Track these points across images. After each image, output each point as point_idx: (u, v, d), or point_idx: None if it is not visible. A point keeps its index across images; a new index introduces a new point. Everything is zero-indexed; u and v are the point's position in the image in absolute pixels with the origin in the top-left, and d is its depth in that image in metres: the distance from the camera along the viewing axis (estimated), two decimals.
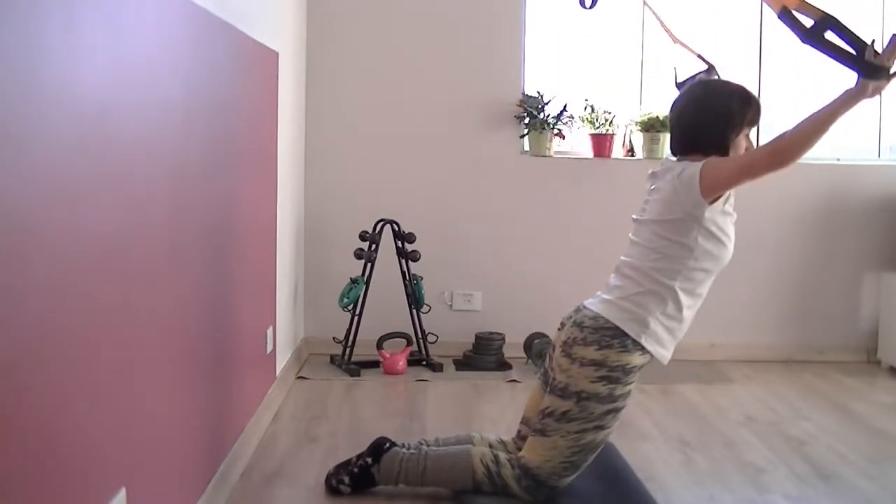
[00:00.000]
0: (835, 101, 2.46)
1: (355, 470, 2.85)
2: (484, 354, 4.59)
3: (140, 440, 2.06)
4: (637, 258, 2.74)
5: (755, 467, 3.22)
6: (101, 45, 1.78)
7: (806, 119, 2.49)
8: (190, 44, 2.45)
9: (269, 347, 3.70)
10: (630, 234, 2.82)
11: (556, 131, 4.77)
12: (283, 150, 3.99)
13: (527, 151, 4.86)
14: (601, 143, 4.84)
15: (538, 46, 4.92)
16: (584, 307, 2.78)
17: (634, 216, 2.82)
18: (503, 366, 4.58)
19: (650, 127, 4.77)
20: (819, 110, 2.47)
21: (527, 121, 4.75)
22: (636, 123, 4.83)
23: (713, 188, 2.61)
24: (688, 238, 2.65)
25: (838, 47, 2.44)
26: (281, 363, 4.02)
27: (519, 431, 2.93)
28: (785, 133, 2.54)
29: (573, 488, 2.84)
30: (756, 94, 2.74)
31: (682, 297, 2.68)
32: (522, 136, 4.82)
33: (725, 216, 2.72)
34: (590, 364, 2.67)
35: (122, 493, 1.92)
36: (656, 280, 2.67)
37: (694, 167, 2.63)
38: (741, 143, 2.72)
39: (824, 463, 3.27)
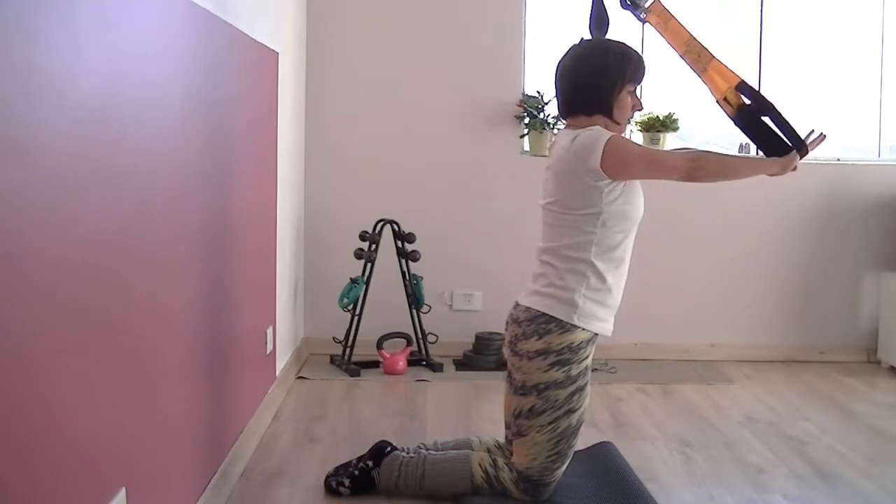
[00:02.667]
0: (764, 161, 2.79)
1: (356, 472, 2.85)
2: (484, 354, 4.59)
3: (140, 440, 2.06)
4: (549, 240, 2.74)
5: (755, 467, 3.22)
6: (101, 45, 1.78)
7: (733, 157, 2.82)
8: (190, 44, 2.45)
9: (269, 347, 3.70)
10: (542, 221, 2.80)
11: (555, 131, 4.77)
12: (283, 150, 3.99)
13: (527, 151, 4.86)
14: None
15: (538, 46, 4.92)
16: (518, 303, 2.79)
17: (539, 202, 2.80)
18: (503, 366, 4.55)
19: (650, 127, 4.77)
20: (744, 157, 2.68)
21: (527, 121, 4.75)
22: (636, 123, 4.83)
23: (619, 171, 2.59)
24: (590, 205, 2.63)
25: (768, 128, 2.84)
26: (281, 363, 4.02)
27: (505, 437, 2.93)
28: (709, 154, 2.74)
29: (573, 489, 2.84)
30: (639, 50, 2.77)
31: (602, 266, 2.66)
32: (522, 136, 4.82)
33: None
34: (536, 355, 2.67)
35: (122, 493, 1.92)
36: (571, 257, 2.67)
37: (590, 135, 2.61)
38: (625, 100, 2.71)
39: (824, 463, 3.27)
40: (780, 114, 2.82)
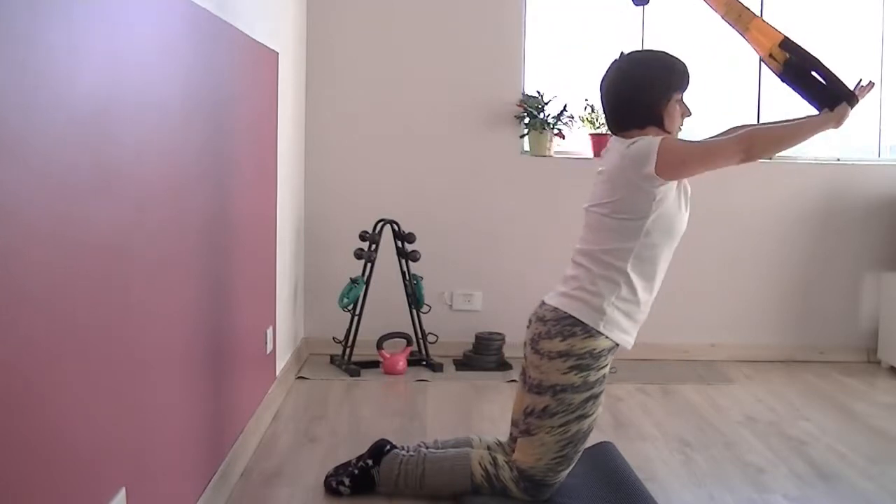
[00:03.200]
0: (811, 119, 2.58)
1: (355, 471, 2.85)
2: (484, 354, 4.59)
3: (140, 440, 2.06)
4: (589, 243, 2.73)
5: (755, 467, 3.22)
6: (101, 45, 1.78)
7: (783, 125, 2.60)
8: (190, 44, 2.45)
9: (269, 347, 3.70)
10: (584, 224, 2.80)
11: (556, 131, 4.77)
12: (283, 150, 3.99)
13: (527, 151, 4.86)
14: (601, 143, 4.83)
15: (538, 46, 4.92)
16: (545, 302, 2.78)
17: (584, 205, 2.80)
18: (503, 366, 4.58)
19: None
20: (794, 121, 2.54)
21: (527, 121, 4.75)
22: None
23: (673, 170, 2.58)
24: (639, 212, 2.62)
25: (817, 81, 2.68)
26: (281, 363, 4.02)
27: (510, 434, 2.93)
28: (754, 129, 2.62)
29: (573, 489, 2.84)
30: (683, 60, 2.75)
31: (636, 280, 2.67)
32: (522, 136, 4.82)
33: (677, 189, 2.68)
34: (557, 356, 2.67)
35: (122, 493, 1.92)
36: (608, 264, 2.66)
37: (643, 142, 2.60)
38: (674, 109, 2.70)
39: (824, 463, 3.27)
40: (826, 67, 2.72)
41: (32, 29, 1.48)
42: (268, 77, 3.65)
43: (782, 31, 2.77)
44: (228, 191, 2.93)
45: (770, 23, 2.79)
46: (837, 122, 2.65)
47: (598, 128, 4.83)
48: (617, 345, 2.72)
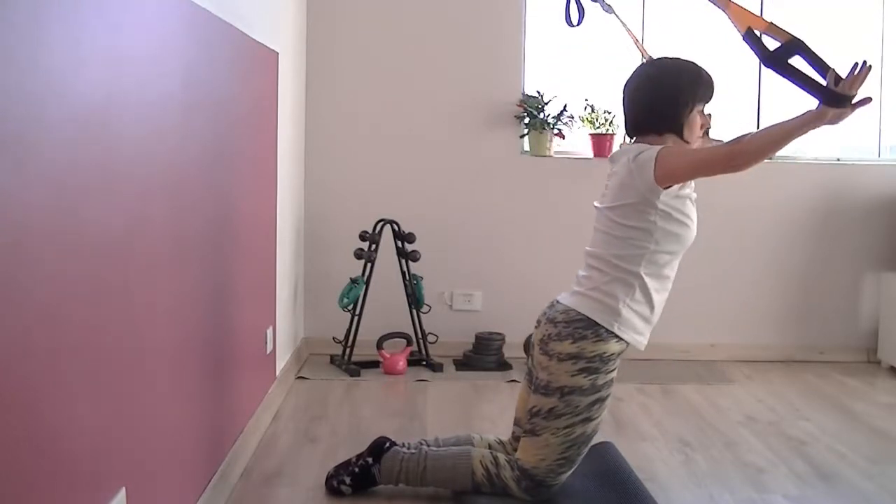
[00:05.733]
0: (797, 119, 2.43)
1: (356, 470, 2.85)
2: (484, 354, 4.59)
3: (140, 440, 2.06)
4: (600, 247, 2.74)
5: (755, 467, 3.22)
6: (101, 45, 1.78)
7: (768, 129, 2.54)
8: (190, 44, 2.45)
9: (269, 347, 3.70)
10: (594, 223, 2.80)
11: (556, 131, 4.77)
12: (283, 150, 3.99)
13: (527, 151, 4.86)
14: (601, 143, 4.84)
15: (538, 46, 4.92)
16: (557, 302, 2.78)
17: (595, 204, 2.81)
18: (503, 366, 4.58)
19: None
20: (781, 124, 2.49)
21: (527, 121, 4.75)
22: None
23: (668, 177, 2.58)
24: (646, 222, 2.63)
25: (801, 73, 2.39)
26: (281, 363, 4.02)
27: (513, 433, 2.93)
28: (745, 137, 2.60)
29: (573, 489, 2.84)
30: (709, 72, 2.72)
31: (649, 282, 2.67)
32: (522, 136, 4.82)
33: (683, 199, 2.68)
34: (567, 358, 2.67)
35: (122, 493, 1.92)
36: (620, 267, 2.67)
37: (649, 151, 2.61)
38: (695, 120, 2.70)
39: (824, 463, 3.27)
40: (812, 52, 2.43)
41: (33, 29, 1.48)
42: (268, 77, 3.65)
43: (764, 20, 2.55)
44: (228, 191, 2.93)
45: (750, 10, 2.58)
46: (834, 118, 2.40)
47: (598, 128, 4.82)
48: (626, 347, 2.72)
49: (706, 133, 2.81)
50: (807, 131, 2.44)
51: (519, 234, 4.87)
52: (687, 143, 2.71)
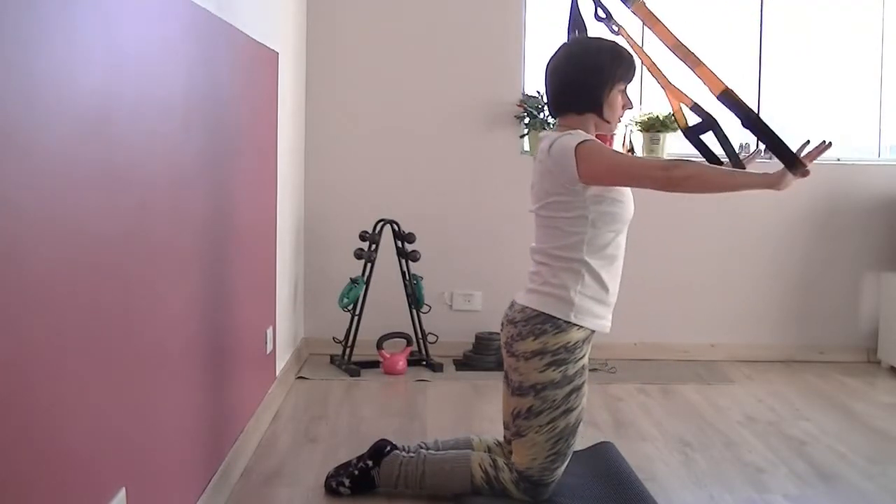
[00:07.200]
0: (757, 176, 2.45)
1: (355, 472, 2.85)
2: (484, 354, 4.59)
3: (140, 440, 2.06)
4: (541, 241, 2.75)
5: (755, 467, 3.22)
6: (100, 45, 1.78)
7: (720, 171, 2.57)
8: (190, 44, 2.45)
9: (269, 347, 3.70)
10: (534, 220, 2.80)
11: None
12: (283, 150, 3.99)
13: (527, 151, 4.86)
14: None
15: (538, 46, 4.92)
16: (514, 302, 2.79)
17: (529, 208, 2.79)
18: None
19: (650, 127, 4.77)
20: (734, 171, 2.54)
21: (527, 121, 4.75)
22: (636, 123, 4.83)
23: (594, 180, 2.58)
24: (579, 209, 2.63)
25: (774, 135, 2.42)
26: (281, 363, 4.02)
27: (504, 437, 2.92)
28: (691, 165, 2.49)
29: (574, 489, 2.84)
30: (631, 53, 2.73)
31: (596, 265, 2.67)
32: (522, 136, 4.82)
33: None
34: (533, 356, 2.68)
35: (122, 493, 1.92)
36: (563, 257, 2.67)
37: (565, 143, 2.59)
38: (616, 99, 2.71)
39: (824, 463, 3.27)
40: (762, 125, 2.46)
41: (33, 29, 1.48)
42: (268, 77, 3.65)
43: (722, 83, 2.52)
44: (228, 190, 2.93)
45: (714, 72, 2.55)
46: (777, 183, 2.39)
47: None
48: (592, 333, 2.72)
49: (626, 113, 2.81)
50: (756, 188, 2.48)
51: (519, 234, 4.82)
52: (607, 122, 2.72)
